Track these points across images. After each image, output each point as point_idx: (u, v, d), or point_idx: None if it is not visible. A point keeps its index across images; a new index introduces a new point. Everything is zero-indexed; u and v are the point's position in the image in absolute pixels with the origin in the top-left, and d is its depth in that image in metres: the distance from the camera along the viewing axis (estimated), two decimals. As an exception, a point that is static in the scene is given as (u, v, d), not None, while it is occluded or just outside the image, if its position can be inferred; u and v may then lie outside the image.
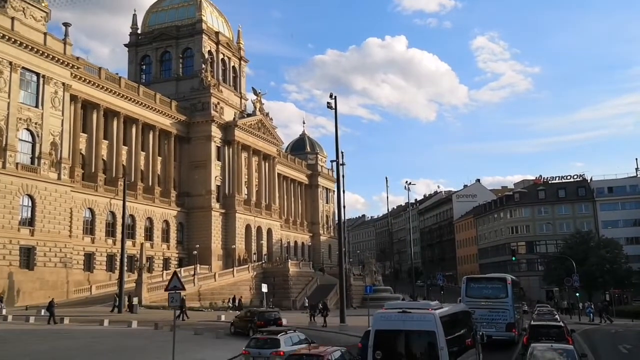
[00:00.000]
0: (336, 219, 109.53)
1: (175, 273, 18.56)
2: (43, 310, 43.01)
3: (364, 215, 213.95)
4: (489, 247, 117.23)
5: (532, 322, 25.36)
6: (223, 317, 40.71)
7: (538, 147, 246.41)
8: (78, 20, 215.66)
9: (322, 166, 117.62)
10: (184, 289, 19.01)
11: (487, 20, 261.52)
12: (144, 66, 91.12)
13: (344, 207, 69.26)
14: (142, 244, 59.66)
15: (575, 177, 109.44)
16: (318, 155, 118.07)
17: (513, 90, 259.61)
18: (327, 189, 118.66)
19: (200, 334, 28.98)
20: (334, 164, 73.81)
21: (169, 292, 18.15)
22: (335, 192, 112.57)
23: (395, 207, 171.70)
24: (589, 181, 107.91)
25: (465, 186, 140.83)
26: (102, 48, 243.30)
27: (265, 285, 43.35)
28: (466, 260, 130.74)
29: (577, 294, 63.18)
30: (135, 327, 32.01)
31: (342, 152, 62.03)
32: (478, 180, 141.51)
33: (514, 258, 75.49)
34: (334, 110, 39.23)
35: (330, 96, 39.04)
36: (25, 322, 36.42)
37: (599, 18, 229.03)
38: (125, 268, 63.43)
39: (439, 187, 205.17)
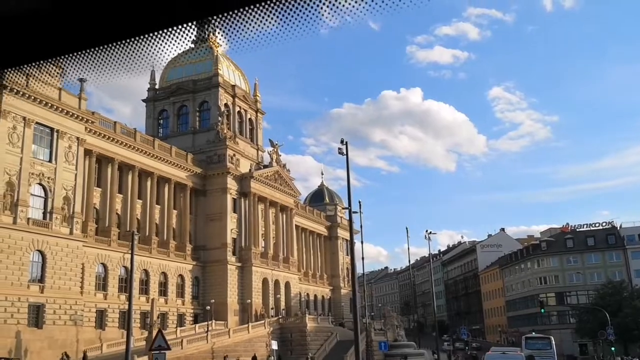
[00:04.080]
0: (358, 271, 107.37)
1: (159, 331, 16.88)
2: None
3: (386, 268, 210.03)
4: (517, 299, 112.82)
5: None
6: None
7: (562, 196, 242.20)
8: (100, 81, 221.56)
9: (341, 217, 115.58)
10: (169, 348, 17.21)
11: (501, 71, 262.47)
12: (162, 120, 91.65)
13: (363, 258, 67.28)
14: (152, 300, 57.99)
15: (604, 224, 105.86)
16: (337, 206, 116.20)
17: (532, 139, 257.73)
18: (347, 240, 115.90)
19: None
20: (354, 214, 72.39)
21: (152, 352, 16.38)
22: (352, 241, 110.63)
23: (418, 259, 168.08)
24: (618, 228, 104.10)
25: (489, 236, 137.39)
26: (124, 107, 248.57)
27: (275, 342, 41.10)
28: (493, 313, 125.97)
29: (613, 348, 59.32)
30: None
31: (360, 202, 60.52)
32: (502, 229, 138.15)
33: (542, 310, 71.95)
34: (345, 156, 37.78)
35: (342, 142, 37.67)
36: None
37: (616, 66, 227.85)
38: (139, 325, 62.42)
39: (462, 237, 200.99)
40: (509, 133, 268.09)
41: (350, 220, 41.01)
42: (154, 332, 51.66)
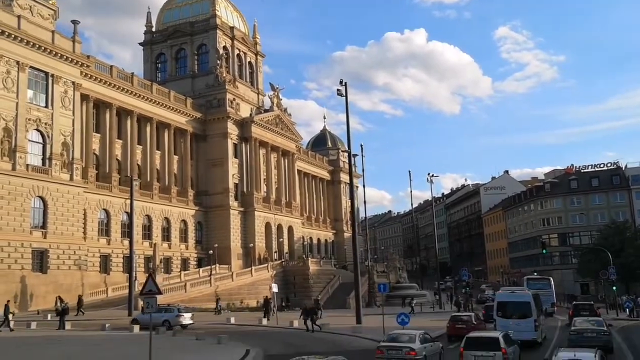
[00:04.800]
0: (361, 215, 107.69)
1: (150, 275, 16.53)
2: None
3: (390, 212, 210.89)
4: (519, 241, 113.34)
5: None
6: (233, 320, 38.65)
7: (567, 137, 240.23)
8: (99, 25, 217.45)
9: (344, 162, 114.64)
10: (160, 292, 16.88)
11: (508, 10, 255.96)
12: (160, 64, 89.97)
13: (365, 202, 67.28)
14: (154, 244, 58.22)
15: (608, 165, 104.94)
16: (340, 151, 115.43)
17: (539, 80, 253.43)
18: (349, 184, 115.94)
19: (202, 339, 26.91)
20: (356, 158, 71.66)
21: (143, 296, 16.07)
22: (356, 185, 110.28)
23: (422, 202, 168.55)
24: (623, 169, 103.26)
25: (493, 178, 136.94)
26: (124, 52, 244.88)
27: (275, 285, 41.18)
28: (496, 254, 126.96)
29: (614, 288, 59.66)
30: (136, 332, 30.12)
31: (361, 145, 59.89)
32: (506, 171, 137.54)
33: (544, 251, 72.04)
34: (344, 97, 36.90)
35: (341, 82, 36.77)
36: (27, 328, 34.79)
37: (625, 5, 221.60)
38: (142, 269, 62.90)
39: (466, 180, 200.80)
40: (514, 74, 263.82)
41: (350, 163, 40.56)
42: (157, 276, 52.34)
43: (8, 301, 38.08)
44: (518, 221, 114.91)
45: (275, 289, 39.32)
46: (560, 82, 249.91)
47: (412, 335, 20.67)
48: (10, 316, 35.61)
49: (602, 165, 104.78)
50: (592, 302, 45.98)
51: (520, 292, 29.80)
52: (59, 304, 39.07)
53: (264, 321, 37.66)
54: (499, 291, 31.50)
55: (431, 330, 25.32)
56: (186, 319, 35.70)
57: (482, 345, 18.88)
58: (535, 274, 77.21)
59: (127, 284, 58.53)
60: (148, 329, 31.35)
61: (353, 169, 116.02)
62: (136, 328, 31.02)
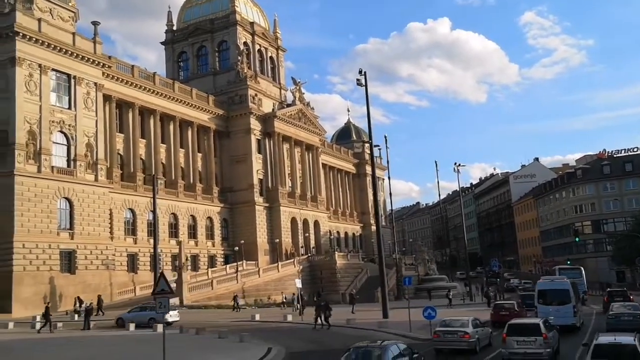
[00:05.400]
0: (387, 207, 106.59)
1: (161, 274, 16.05)
2: (77, 316, 41.96)
3: (418, 203, 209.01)
4: (551, 229, 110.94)
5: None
6: (257, 317, 38.21)
7: (598, 123, 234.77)
8: (124, 28, 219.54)
9: (369, 154, 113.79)
10: (172, 292, 16.42)
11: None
12: (182, 63, 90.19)
13: (390, 193, 66.54)
14: (180, 242, 58.18)
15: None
16: (365, 143, 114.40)
17: (567, 65, 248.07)
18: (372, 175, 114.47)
19: (225, 337, 26.46)
20: (381, 150, 70.75)
21: (155, 296, 15.62)
22: (382, 178, 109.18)
23: (450, 193, 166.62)
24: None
25: (522, 166, 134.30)
26: (149, 54, 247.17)
27: (299, 280, 40.60)
28: (528, 243, 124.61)
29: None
30: (159, 332, 29.70)
31: (385, 137, 59.06)
32: (536, 159, 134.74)
33: (577, 239, 70.24)
34: (364, 87, 36.06)
35: (360, 72, 35.92)
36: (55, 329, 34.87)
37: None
38: (170, 267, 63.11)
39: (494, 169, 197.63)
40: (542, 60, 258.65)
41: (371, 153, 39.80)
42: (183, 274, 52.24)
43: (49, 303, 38.35)
44: (550, 209, 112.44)
45: (299, 284, 38.78)
46: (589, 67, 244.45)
47: (464, 320, 23.24)
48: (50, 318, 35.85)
49: (635, 149, 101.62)
50: (625, 289, 47.14)
51: (559, 280, 32.08)
52: (78, 304, 39.24)
53: (289, 317, 37.14)
54: (540, 280, 33.44)
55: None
56: (172, 316, 36.18)
57: (524, 331, 19.95)
58: (569, 262, 75.38)
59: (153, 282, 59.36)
60: (173, 328, 31.34)
61: (378, 161, 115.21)
62: (159, 327, 30.65)
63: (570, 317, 28.56)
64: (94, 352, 24.43)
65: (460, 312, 36.33)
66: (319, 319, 32.39)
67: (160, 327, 30.51)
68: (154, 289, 16.01)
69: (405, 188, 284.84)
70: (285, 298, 54.01)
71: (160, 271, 33.86)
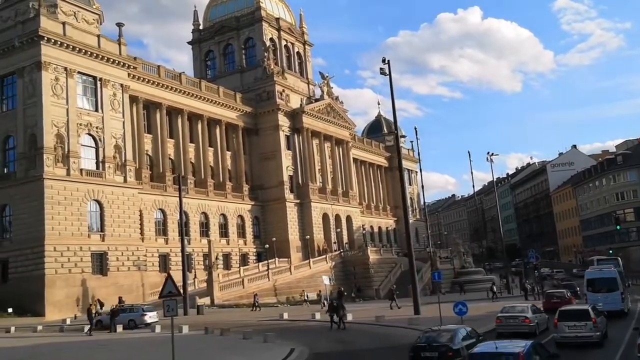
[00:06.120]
0: (421, 200, 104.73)
1: (169, 276, 15.27)
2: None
3: (453, 195, 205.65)
4: (592, 218, 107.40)
5: None
6: (286, 315, 37.41)
7: (638, 108, 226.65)
8: (156, 31, 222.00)
9: (401, 147, 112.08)
10: (180, 294, 15.67)
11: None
12: (209, 62, 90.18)
13: (422, 186, 65.09)
14: (209, 241, 57.85)
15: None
16: (393, 135, 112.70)
17: (604, 50, 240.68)
18: (409, 170, 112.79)
19: (249, 337, 25.69)
20: (413, 143, 69.32)
21: (163, 299, 14.86)
22: (415, 170, 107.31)
23: (486, 184, 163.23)
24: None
25: (560, 154, 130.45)
26: (180, 56, 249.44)
27: (327, 277, 39.65)
28: (567, 233, 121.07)
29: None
30: (185, 333, 29.22)
31: (415, 128, 57.71)
32: (574, 146, 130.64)
33: (618, 227, 67.76)
34: (388, 77, 34.85)
35: (383, 61, 34.72)
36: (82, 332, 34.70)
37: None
38: (202, 267, 62.94)
39: (531, 159, 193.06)
40: (577, 46, 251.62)
41: (397, 144, 38.65)
42: (214, 273, 51.85)
43: (91, 305, 38.31)
44: (590, 197, 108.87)
45: (326, 281, 37.84)
46: (627, 50, 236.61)
47: (524, 307, 26.31)
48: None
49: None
50: None
51: (607, 269, 33.46)
52: (99, 306, 39.18)
53: (317, 315, 36.23)
54: (588, 269, 35.52)
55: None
56: (151, 317, 36.62)
57: (574, 316, 21.53)
58: (611, 251, 72.76)
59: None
60: (198, 329, 30.77)
61: (411, 154, 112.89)
62: (185, 328, 30.15)
63: (618, 303, 30.21)
64: (123, 356, 23.99)
65: (494, 306, 35.11)
66: (334, 318, 30.77)
67: (185, 329, 30.09)
68: (161, 291, 15.28)
69: (441, 180, 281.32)
70: (317, 295, 53.14)
71: (184, 271, 33.37)
